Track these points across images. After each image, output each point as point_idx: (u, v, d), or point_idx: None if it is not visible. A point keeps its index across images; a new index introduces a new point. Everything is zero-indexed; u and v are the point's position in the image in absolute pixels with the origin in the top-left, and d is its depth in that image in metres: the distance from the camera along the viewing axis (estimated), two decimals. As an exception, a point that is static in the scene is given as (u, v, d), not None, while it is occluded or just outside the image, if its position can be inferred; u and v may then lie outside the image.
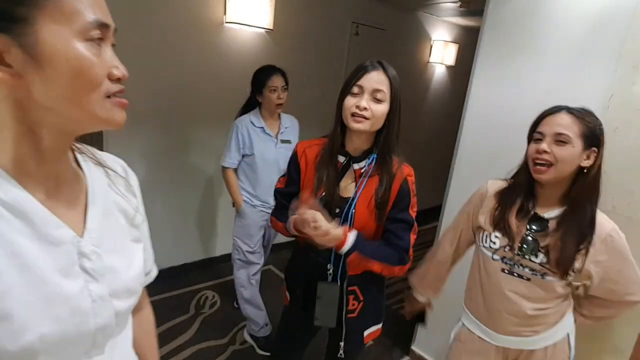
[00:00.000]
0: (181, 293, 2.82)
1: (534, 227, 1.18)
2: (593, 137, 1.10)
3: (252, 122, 2.18)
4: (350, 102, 1.15)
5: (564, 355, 1.26)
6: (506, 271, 1.22)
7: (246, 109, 2.28)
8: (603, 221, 1.15)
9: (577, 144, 1.09)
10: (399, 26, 3.87)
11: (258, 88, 2.17)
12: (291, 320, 1.47)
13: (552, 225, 1.17)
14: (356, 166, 1.24)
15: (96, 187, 0.61)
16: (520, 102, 1.81)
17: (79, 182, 0.60)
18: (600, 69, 1.54)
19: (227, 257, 3.27)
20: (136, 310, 0.74)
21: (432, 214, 3.43)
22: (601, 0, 1.52)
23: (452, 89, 4.76)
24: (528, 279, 1.19)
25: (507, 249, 1.21)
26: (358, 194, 1.20)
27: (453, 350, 1.41)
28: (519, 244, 1.19)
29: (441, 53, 4.28)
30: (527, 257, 1.18)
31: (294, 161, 1.31)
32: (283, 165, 2.19)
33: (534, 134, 1.18)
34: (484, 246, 1.27)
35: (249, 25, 2.73)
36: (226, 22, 2.70)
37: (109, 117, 0.53)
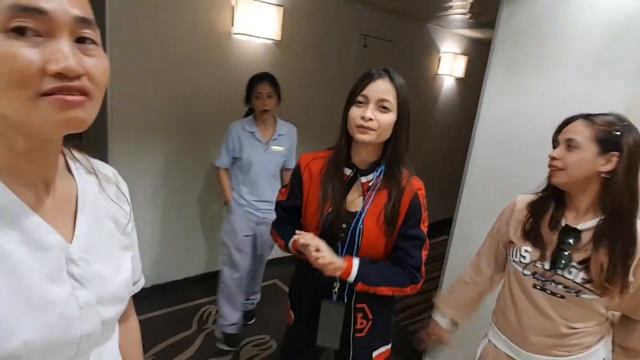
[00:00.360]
0: (183, 308, 2.75)
1: (567, 240, 1.11)
2: (610, 140, 1.04)
3: (243, 127, 2.28)
4: (355, 112, 1.10)
5: None
6: (538, 287, 1.16)
7: (247, 115, 2.39)
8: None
9: (589, 149, 1.05)
10: (408, 38, 3.85)
11: (248, 95, 2.30)
12: (295, 341, 1.39)
13: (586, 237, 1.09)
14: (363, 179, 1.18)
15: (86, 194, 0.60)
16: (534, 115, 1.76)
17: (69, 187, 0.59)
18: (620, 80, 1.48)
19: (232, 271, 3.22)
20: (122, 320, 0.74)
21: (442, 226, 3.36)
22: (620, 9, 1.47)
23: (461, 101, 4.71)
24: (562, 297, 1.12)
25: (538, 264, 1.15)
26: (366, 209, 1.15)
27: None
28: (551, 259, 1.12)
29: (450, 65, 4.24)
30: (559, 273, 1.11)
31: (296, 175, 1.26)
32: (273, 171, 2.33)
33: (554, 142, 1.17)
34: (514, 261, 1.21)
35: (257, 37, 2.72)
36: (234, 34, 2.69)
37: (41, 118, 0.45)
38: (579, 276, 1.08)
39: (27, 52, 0.42)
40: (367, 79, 1.11)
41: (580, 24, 1.59)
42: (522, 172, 1.81)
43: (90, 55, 0.48)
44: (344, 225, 1.16)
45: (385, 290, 1.14)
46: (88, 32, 0.48)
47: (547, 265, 1.13)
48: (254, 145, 2.26)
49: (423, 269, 1.18)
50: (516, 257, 1.20)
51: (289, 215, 1.29)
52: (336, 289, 1.20)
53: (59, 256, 0.53)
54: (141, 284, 0.78)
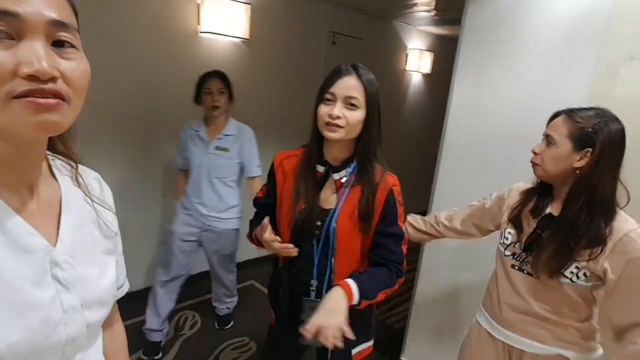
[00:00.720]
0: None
1: (545, 226, 1.18)
2: (583, 137, 1.08)
3: (191, 126, 2.23)
4: (323, 110, 1.10)
5: None
6: (516, 267, 1.23)
7: None
8: (622, 222, 1.07)
9: (564, 145, 1.10)
10: (376, 35, 3.89)
11: (198, 92, 2.20)
12: (277, 341, 1.39)
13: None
14: (336, 176, 1.18)
15: (70, 198, 0.61)
16: (501, 107, 1.81)
17: (53, 192, 0.59)
18: (580, 71, 1.55)
19: (207, 275, 3.16)
20: (107, 325, 0.74)
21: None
22: (578, 4, 1.54)
23: (429, 96, 4.82)
24: (538, 277, 1.18)
25: (517, 245, 1.23)
26: (340, 205, 1.15)
27: (464, 344, 1.44)
28: (527, 241, 1.20)
29: (417, 61, 4.33)
30: (533, 254, 1.17)
31: (271, 173, 1.27)
32: (216, 174, 2.20)
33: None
34: (500, 242, 1.30)
35: (224, 35, 2.67)
36: (200, 32, 2.63)
37: (13, 120, 0.44)
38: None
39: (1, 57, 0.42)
40: (334, 76, 1.10)
41: (542, 21, 1.65)
42: (494, 163, 1.87)
43: (67, 58, 0.48)
44: (319, 223, 1.15)
45: (381, 296, 1.14)
46: (65, 36, 0.48)
47: (521, 247, 1.21)
48: (196, 145, 2.20)
49: (405, 262, 1.19)
50: (501, 238, 1.30)
51: (264, 212, 1.28)
52: (314, 287, 1.20)
53: (43, 259, 0.53)
54: (126, 288, 0.78)
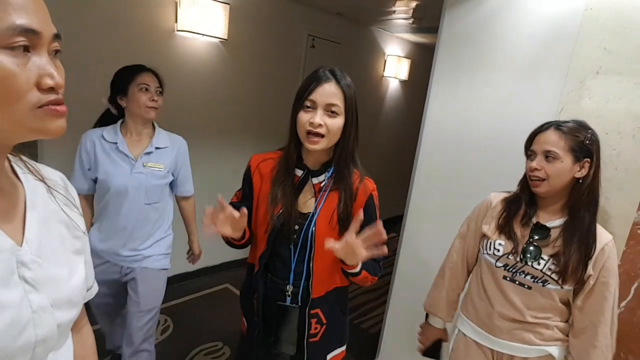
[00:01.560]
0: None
1: (536, 235, 1.22)
2: (583, 149, 1.15)
3: (103, 136, 1.64)
4: (304, 118, 1.08)
5: None
6: (508, 278, 1.25)
7: (102, 123, 1.74)
8: (602, 232, 1.19)
9: (567, 159, 1.15)
10: (354, 40, 3.92)
11: (121, 88, 1.63)
12: (248, 348, 1.34)
13: (554, 234, 1.21)
14: (315, 180, 1.17)
15: (35, 197, 0.60)
16: (476, 115, 1.86)
17: (16, 192, 0.59)
18: (550, 83, 1.61)
19: (180, 278, 3.09)
20: (76, 329, 0.74)
21: (389, 224, 3.46)
22: (549, 18, 1.60)
23: (406, 102, 4.89)
24: (529, 287, 1.22)
25: (510, 255, 1.24)
26: (318, 210, 1.14)
27: (452, 357, 1.44)
28: (522, 252, 1.22)
29: (395, 68, 4.39)
30: (529, 263, 1.21)
31: (247, 176, 1.23)
32: (145, 199, 1.67)
33: (528, 151, 1.24)
34: (487, 253, 1.30)
35: (202, 34, 2.63)
36: (177, 30, 2.58)
37: (40, 127, 0.51)
38: (546, 266, 1.19)
39: (23, 68, 0.48)
40: (313, 82, 1.09)
41: (515, 33, 1.70)
42: (469, 170, 1.91)
43: (58, 66, 0.53)
44: (296, 227, 1.14)
45: (369, 279, 1.15)
46: (58, 46, 0.54)
47: (518, 257, 1.23)
48: (114, 162, 1.62)
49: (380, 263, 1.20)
50: (490, 250, 1.29)
51: None
52: (289, 292, 1.18)
53: (9, 259, 0.52)
54: (95, 290, 0.77)
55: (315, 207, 1.14)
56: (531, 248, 1.21)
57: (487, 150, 1.84)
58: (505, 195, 1.34)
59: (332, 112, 1.08)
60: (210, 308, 2.85)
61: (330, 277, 1.20)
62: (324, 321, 1.23)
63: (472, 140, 1.88)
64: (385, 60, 4.37)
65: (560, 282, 1.17)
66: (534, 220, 1.24)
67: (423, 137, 2.05)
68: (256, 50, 3.11)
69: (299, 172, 1.18)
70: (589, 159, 1.16)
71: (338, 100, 1.08)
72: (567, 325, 1.26)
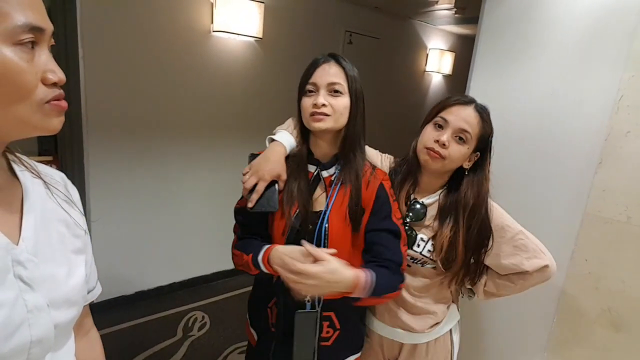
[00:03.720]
0: (168, 314, 2.67)
1: (410, 214, 1.15)
2: (484, 142, 1.10)
3: None
4: (307, 102, 1.05)
5: (446, 351, 1.24)
6: None
7: None
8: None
9: (471, 146, 1.09)
10: (394, 35, 3.80)
11: None
12: None
13: (430, 212, 1.15)
14: (325, 174, 1.10)
15: (33, 195, 0.59)
16: (520, 109, 1.71)
17: (14, 189, 0.58)
18: (607, 70, 1.43)
19: (219, 275, 3.15)
20: (82, 333, 0.74)
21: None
22: (605, -3, 1.42)
23: (450, 98, 4.68)
24: (408, 266, 1.16)
25: None
26: (330, 206, 1.06)
27: None
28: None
29: (438, 62, 4.21)
30: (410, 249, 1.15)
31: None
32: None
33: (435, 118, 1.13)
34: None
35: (237, 34, 2.65)
36: (213, 31, 2.61)
37: (44, 124, 0.52)
38: (425, 249, 1.13)
39: (30, 65, 0.49)
40: (312, 67, 1.06)
41: (564, 16, 1.54)
42: (509, 166, 1.76)
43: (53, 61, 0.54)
44: (311, 227, 1.07)
45: (382, 301, 1.06)
46: (53, 42, 0.54)
47: None
48: None
49: (405, 265, 1.06)
50: None
51: (252, 222, 1.13)
52: (308, 297, 1.09)
53: (5, 258, 0.52)
54: (97, 292, 0.76)
55: (327, 203, 1.07)
56: (406, 228, 1.12)
57: (533, 148, 1.68)
58: (390, 163, 1.24)
59: (336, 91, 1.03)
60: (246, 307, 2.87)
61: None
62: (337, 326, 1.14)
63: (516, 136, 1.73)
64: (427, 54, 4.20)
65: (438, 264, 1.12)
66: (413, 197, 1.16)
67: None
68: (291, 48, 3.09)
69: (312, 168, 1.12)
70: (478, 153, 1.11)
71: (340, 79, 1.03)
72: (445, 308, 1.23)
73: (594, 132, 1.49)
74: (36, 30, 0.49)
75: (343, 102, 1.04)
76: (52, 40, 0.53)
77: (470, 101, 1.10)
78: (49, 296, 0.56)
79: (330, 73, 1.03)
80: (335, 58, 1.05)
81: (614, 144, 1.38)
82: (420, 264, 1.15)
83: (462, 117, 1.07)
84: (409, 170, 1.18)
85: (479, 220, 1.09)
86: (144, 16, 2.35)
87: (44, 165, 0.66)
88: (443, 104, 1.12)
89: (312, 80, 1.04)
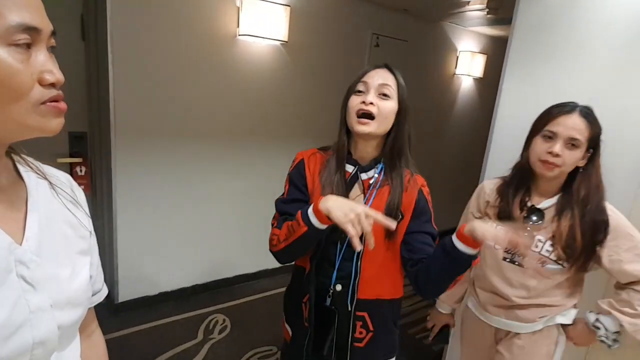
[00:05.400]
0: (190, 317, 2.68)
1: (533, 217, 1.21)
2: (594, 141, 1.15)
3: None
4: (355, 101, 1.06)
5: (550, 341, 1.29)
6: (507, 259, 1.28)
7: None
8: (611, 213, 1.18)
9: (583, 148, 1.14)
10: (422, 37, 3.71)
11: None
12: (298, 357, 1.26)
13: (549, 215, 1.21)
14: (364, 176, 1.12)
15: (37, 196, 0.59)
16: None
17: (18, 190, 0.58)
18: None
19: (241, 278, 3.15)
20: (85, 334, 0.74)
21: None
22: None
23: (481, 102, 4.53)
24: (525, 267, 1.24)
25: None
26: (368, 206, 1.04)
27: (462, 328, 1.54)
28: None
29: (468, 64, 4.08)
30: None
31: (299, 170, 1.16)
32: None
33: (544, 130, 1.18)
34: None
35: (263, 38, 2.64)
36: (239, 35, 2.62)
37: (41, 125, 0.52)
38: (544, 249, 1.20)
39: (25, 65, 0.48)
40: (365, 70, 1.10)
41: (603, 17, 1.44)
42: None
43: (54, 61, 0.53)
44: None
45: (453, 285, 1.04)
46: (54, 42, 0.53)
47: None
48: None
49: None
50: None
51: (292, 210, 1.09)
52: (330, 293, 1.11)
53: (7, 257, 0.51)
54: (103, 294, 0.76)
55: (364, 204, 1.06)
56: (525, 232, 1.20)
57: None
58: (498, 181, 1.34)
59: (384, 95, 1.05)
60: (268, 311, 2.85)
61: (379, 281, 1.13)
62: (371, 328, 1.15)
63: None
64: (458, 57, 4.08)
65: (558, 262, 1.19)
66: (529, 203, 1.24)
67: (493, 140, 1.83)
68: (317, 51, 3.06)
69: (350, 168, 1.12)
70: (592, 150, 1.16)
71: (390, 83, 1.06)
72: (567, 299, 1.27)
73: (631, 143, 1.38)
74: (32, 30, 0.48)
75: (390, 106, 1.06)
76: (53, 40, 0.53)
77: (572, 108, 1.14)
78: (52, 297, 0.56)
79: (382, 76, 1.06)
80: (387, 66, 1.10)
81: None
82: (540, 264, 1.21)
83: (569, 126, 1.12)
84: (521, 179, 1.26)
85: (592, 209, 1.15)
86: (171, 21, 2.38)
87: (49, 167, 0.67)
88: (547, 117, 1.18)
89: (364, 79, 1.07)
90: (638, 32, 1.36)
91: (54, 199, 0.63)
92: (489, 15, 3.36)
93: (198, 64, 2.54)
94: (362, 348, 1.15)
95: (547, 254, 1.19)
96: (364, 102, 1.03)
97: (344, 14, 3.14)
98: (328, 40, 3.11)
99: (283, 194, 1.21)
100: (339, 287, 1.11)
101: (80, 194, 0.70)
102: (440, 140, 4.27)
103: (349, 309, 1.12)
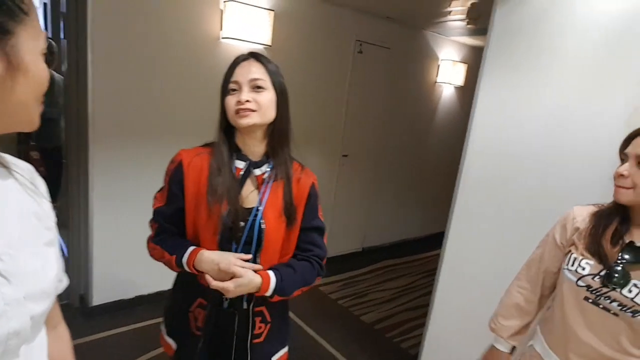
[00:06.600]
0: (154, 324, 2.61)
1: (626, 256, 1.02)
2: None
3: None
4: (231, 101, 1.04)
5: None
6: (590, 300, 1.07)
7: None
8: None
9: None
10: (405, 45, 3.77)
11: None
12: None
13: None
14: (257, 172, 1.09)
15: (6, 189, 0.60)
16: (529, 122, 1.66)
17: None
18: (622, 82, 1.38)
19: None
20: (51, 326, 0.75)
21: (435, 240, 3.24)
22: (623, 6, 1.37)
23: (462, 110, 4.62)
24: (615, 314, 1.02)
25: (596, 277, 1.05)
26: (264, 202, 1.07)
27: None
28: (607, 273, 1.02)
29: (449, 73, 4.16)
30: (617, 289, 1.01)
31: (176, 174, 1.10)
32: None
33: (621, 154, 1.05)
34: (569, 269, 1.11)
35: (247, 41, 2.65)
36: (222, 38, 2.62)
37: (36, 119, 0.60)
38: (639, 296, 0.98)
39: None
40: (232, 66, 1.07)
41: (578, 26, 1.49)
42: (518, 183, 1.71)
43: None
44: (242, 224, 1.06)
45: (297, 293, 1.10)
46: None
47: (601, 281, 1.03)
48: None
49: (325, 259, 1.17)
50: (573, 265, 1.11)
51: (172, 223, 1.13)
52: (227, 297, 1.08)
53: None
54: (65, 283, 0.76)
55: (260, 200, 1.07)
56: (617, 272, 1.01)
57: (543, 160, 1.62)
58: (593, 208, 1.14)
59: (258, 87, 1.04)
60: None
61: None
62: (269, 319, 1.15)
63: (523, 150, 1.68)
64: (439, 65, 4.15)
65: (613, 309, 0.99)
66: (626, 239, 1.03)
67: (469, 147, 1.87)
68: (301, 56, 3.08)
69: (241, 165, 1.09)
70: None
71: (261, 75, 1.04)
72: None
73: (606, 149, 1.43)
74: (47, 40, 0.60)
75: (268, 97, 1.05)
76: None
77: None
78: (26, 289, 0.57)
79: (251, 70, 1.04)
80: (254, 56, 1.06)
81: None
82: (631, 312, 1.01)
83: (637, 144, 1.00)
84: (617, 210, 1.09)
85: None
86: (153, 22, 2.36)
87: (12, 157, 0.66)
88: (626, 141, 1.05)
89: (234, 78, 1.04)
90: (610, 39, 1.41)
91: (22, 191, 0.63)
92: (469, 26, 3.44)
93: (181, 65, 2.53)
94: (261, 343, 1.15)
95: None
96: (239, 102, 1.02)
97: (328, 20, 3.17)
98: (312, 45, 3.13)
99: (162, 191, 1.16)
100: None
101: (40, 184, 0.70)
102: (422, 147, 4.33)
103: (246, 307, 1.11)
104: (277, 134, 1.09)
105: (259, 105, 1.03)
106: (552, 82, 1.58)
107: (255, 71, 1.03)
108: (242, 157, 1.10)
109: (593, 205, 1.15)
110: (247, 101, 1.02)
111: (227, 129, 1.11)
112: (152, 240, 1.15)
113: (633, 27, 1.35)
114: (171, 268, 1.11)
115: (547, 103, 1.60)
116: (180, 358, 1.17)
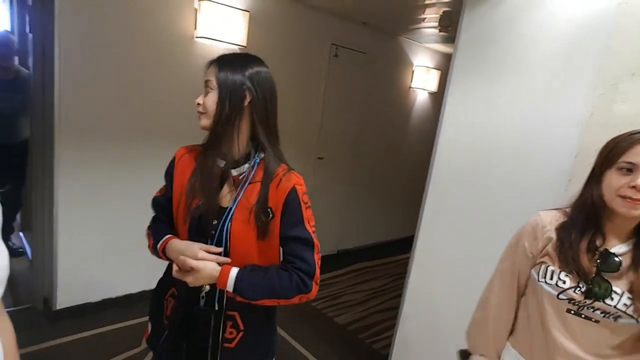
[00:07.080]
0: (134, 324, 2.57)
1: (604, 265, 1.02)
2: None
3: None
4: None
5: None
6: (572, 312, 1.06)
7: None
8: None
9: None
10: (380, 50, 3.83)
11: None
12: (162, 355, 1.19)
13: (626, 261, 1.01)
14: (234, 172, 1.08)
15: None
16: (495, 123, 1.71)
17: None
18: (579, 87, 1.45)
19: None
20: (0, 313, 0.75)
21: (409, 243, 3.28)
22: (579, 17, 1.44)
23: (435, 115, 4.71)
24: (597, 321, 1.03)
25: (577, 290, 1.04)
26: (236, 203, 1.04)
27: None
28: (589, 286, 1.02)
29: (423, 79, 4.25)
30: (600, 300, 1.01)
31: (169, 166, 1.19)
32: None
33: (619, 162, 0.99)
34: (547, 283, 1.09)
35: (221, 41, 2.63)
36: (197, 37, 2.60)
37: None
38: (620, 302, 1.00)
39: None
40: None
41: (540, 34, 1.56)
42: (486, 188, 1.76)
43: None
44: (215, 222, 1.06)
45: (268, 303, 1.03)
46: None
47: (584, 293, 1.03)
48: None
49: (318, 275, 1.04)
50: (552, 280, 1.09)
51: (164, 212, 1.19)
52: (204, 294, 1.09)
53: None
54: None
55: (233, 201, 1.05)
56: (598, 285, 1.01)
57: (508, 161, 1.68)
58: (558, 215, 1.12)
59: (208, 88, 1.05)
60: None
61: None
62: (241, 327, 1.11)
63: (490, 154, 1.73)
64: (413, 71, 4.24)
65: (634, 315, 0.99)
66: (600, 247, 1.03)
67: (437, 150, 1.91)
68: (276, 58, 3.08)
69: (222, 164, 1.09)
70: None
71: (211, 76, 1.05)
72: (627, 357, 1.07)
73: (565, 149, 1.49)
74: None
75: (211, 98, 1.04)
76: None
77: None
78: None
79: (206, 72, 1.06)
80: (212, 61, 1.07)
81: (584, 160, 1.38)
82: (614, 318, 1.01)
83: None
84: (588, 219, 1.06)
85: None
86: (125, 18, 2.32)
87: None
88: (622, 147, 0.99)
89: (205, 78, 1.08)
90: (574, 46, 1.47)
91: None
92: (442, 33, 3.53)
93: (153, 63, 2.49)
94: (233, 349, 1.11)
95: (623, 308, 1.00)
96: (198, 104, 1.07)
97: (304, 22, 3.19)
98: (287, 47, 3.14)
99: (162, 187, 1.23)
100: (207, 287, 1.08)
101: None
102: (397, 151, 4.40)
103: (217, 308, 1.10)
104: (217, 126, 1.06)
105: (205, 107, 1.05)
106: (514, 89, 1.64)
107: (208, 73, 1.06)
108: (222, 156, 1.08)
109: (557, 210, 1.14)
110: (198, 104, 1.06)
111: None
112: (148, 227, 1.20)
113: (590, 36, 1.42)
114: (151, 251, 1.15)
115: (512, 107, 1.66)
116: (151, 343, 1.21)
